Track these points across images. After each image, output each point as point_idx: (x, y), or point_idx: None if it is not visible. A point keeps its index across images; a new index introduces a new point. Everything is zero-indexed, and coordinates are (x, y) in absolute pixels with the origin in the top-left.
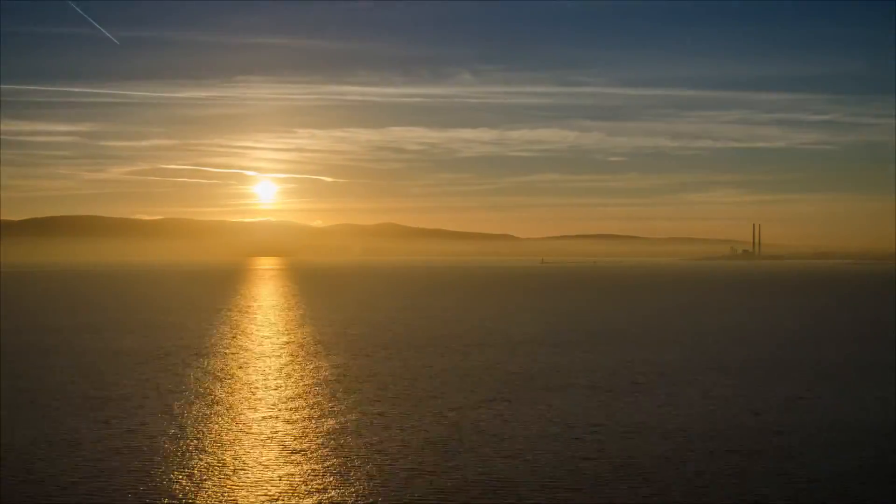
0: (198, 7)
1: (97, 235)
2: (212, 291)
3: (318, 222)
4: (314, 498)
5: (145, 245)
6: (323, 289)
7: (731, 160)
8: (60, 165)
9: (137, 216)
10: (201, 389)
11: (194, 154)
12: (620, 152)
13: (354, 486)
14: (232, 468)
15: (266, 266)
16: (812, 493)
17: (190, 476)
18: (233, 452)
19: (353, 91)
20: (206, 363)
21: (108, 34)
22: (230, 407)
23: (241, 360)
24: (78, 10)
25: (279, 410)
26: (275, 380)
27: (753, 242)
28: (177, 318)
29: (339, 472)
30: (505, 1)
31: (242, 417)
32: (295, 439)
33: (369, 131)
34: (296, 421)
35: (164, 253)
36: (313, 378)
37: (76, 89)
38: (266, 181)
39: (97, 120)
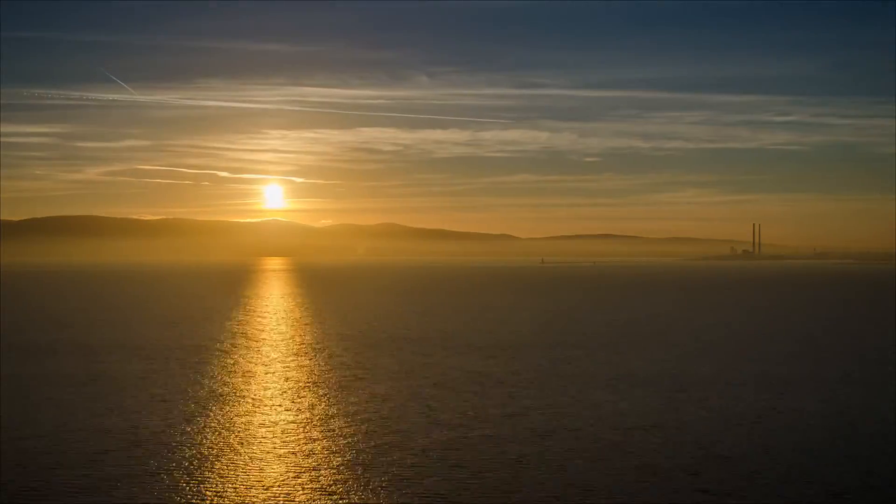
0: (150, 8)
1: (98, 235)
2: (222, 291)
3: (322, 222)
4: (322, 496)
5: (147, 245)
6: (336, 289)
7: (708, 160)
8: (36, 166)
9: (136, 216)
10: (208, 387)
11: (169, 155)
12: (594, 153)
13: (364, 480)
14: (237, 465)
15: (272, 266)
16: None
17: (193, 473)
18: (237, 450)
19: (315, 93)
20: (223, 360)
21: (129, 89)
22: (239, 403)
23: (253, 357)
24: (108, 73)
25: (293, 407)
26: (294, 376)
27: (753, 242)
28: (202, 315)
29: (351, 469)
30: (452, 2)
31: (247, 415)
32: (306, 437)
33: (340, 132)
34: (311, 419)
35: (168, 253)
36: (327, 376)
37: (49, 91)
38: (260, 182)
39: (70, 121)
